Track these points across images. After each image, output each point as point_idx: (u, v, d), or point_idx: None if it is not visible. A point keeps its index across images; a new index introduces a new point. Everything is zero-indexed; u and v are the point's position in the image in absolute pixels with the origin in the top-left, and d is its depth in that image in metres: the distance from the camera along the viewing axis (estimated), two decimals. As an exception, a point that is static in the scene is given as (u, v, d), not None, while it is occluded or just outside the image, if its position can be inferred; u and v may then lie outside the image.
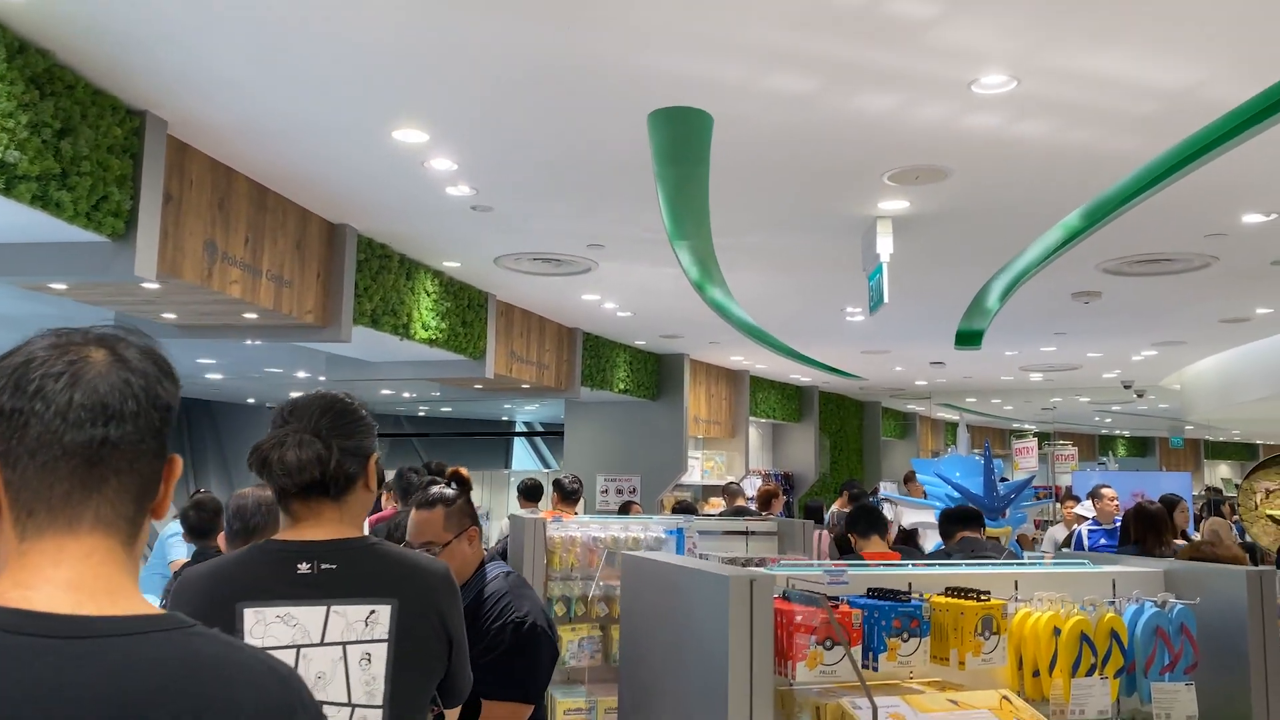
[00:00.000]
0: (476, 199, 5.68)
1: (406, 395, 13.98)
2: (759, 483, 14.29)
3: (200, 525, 4.44)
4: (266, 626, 1.75)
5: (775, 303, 8.75)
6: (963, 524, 5.21)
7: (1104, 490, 7.75)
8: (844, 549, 7.27)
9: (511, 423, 21.13)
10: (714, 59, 3.76)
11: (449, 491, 2.89)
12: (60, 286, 5.03)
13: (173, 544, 5.98)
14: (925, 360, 12.90)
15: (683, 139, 4.59)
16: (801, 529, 6.43)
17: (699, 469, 13.09)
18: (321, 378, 11.10)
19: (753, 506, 11.57)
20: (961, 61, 3.73)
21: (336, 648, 1.78)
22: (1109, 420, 23.15)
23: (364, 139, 4.73)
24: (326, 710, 1.69)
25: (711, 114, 4.27)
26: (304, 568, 1.79)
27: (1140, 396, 16.30)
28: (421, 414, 19.17)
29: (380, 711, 1.78)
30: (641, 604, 2.79)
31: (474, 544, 2.92)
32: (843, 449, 17.42)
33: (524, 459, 21.70)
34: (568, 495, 7.42)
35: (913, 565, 2.94)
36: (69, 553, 1.00)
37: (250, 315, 5.89)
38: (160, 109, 4.38)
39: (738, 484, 11.53)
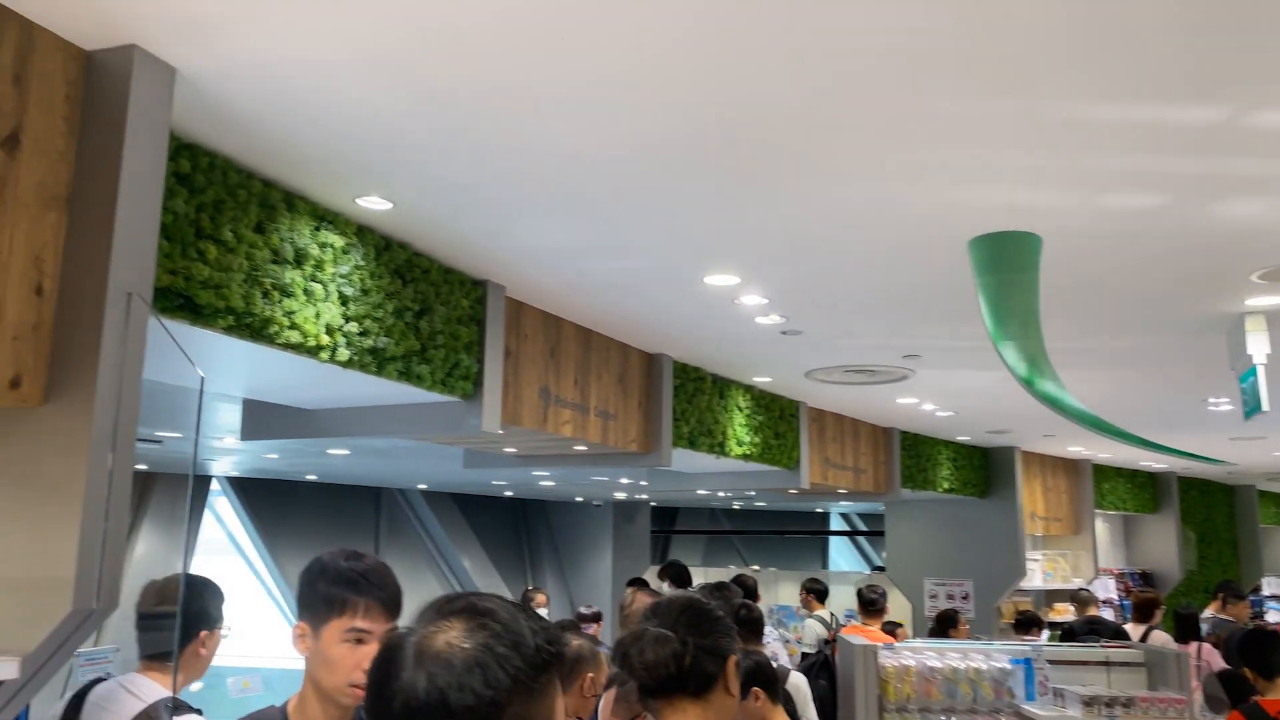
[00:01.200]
0: (786, 325, 5.67)
1: (722, 494, 14.20)
2: (1112, 584, 12.84)
3: None
4: None
5: (1120, 399, 7.91)
6: None
7: None
8: (1230, 684, 6.24)
9: (827, 515, 20.72)
10: (1041, 189, 3.50)
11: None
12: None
13: None
14: (1313, 442, 11.04)
15: (1008, 258, 4.30)
16: (1175, 662, 5.62)
17: (1040, 572, 11.93)
18: (643, 482, 11.60)
19: (1107, 613, 10.36)
20: (1352, 157, 3.19)
21: None
22: None
23: (679, 286, 4.90)
24: None
25: (1039, 234, 3.97)
26: None
27: None
28: (737, 508, 19.32)
29: None
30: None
31: None
32: (1211, 541, 15.26)
33: (844, 552, 21.13)
34: (867, 606, 7.10)
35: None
36: None
37: (580, 447, 6.23)
38: (499, 277, 4.80)
39: (1088, 590, 10.35)
